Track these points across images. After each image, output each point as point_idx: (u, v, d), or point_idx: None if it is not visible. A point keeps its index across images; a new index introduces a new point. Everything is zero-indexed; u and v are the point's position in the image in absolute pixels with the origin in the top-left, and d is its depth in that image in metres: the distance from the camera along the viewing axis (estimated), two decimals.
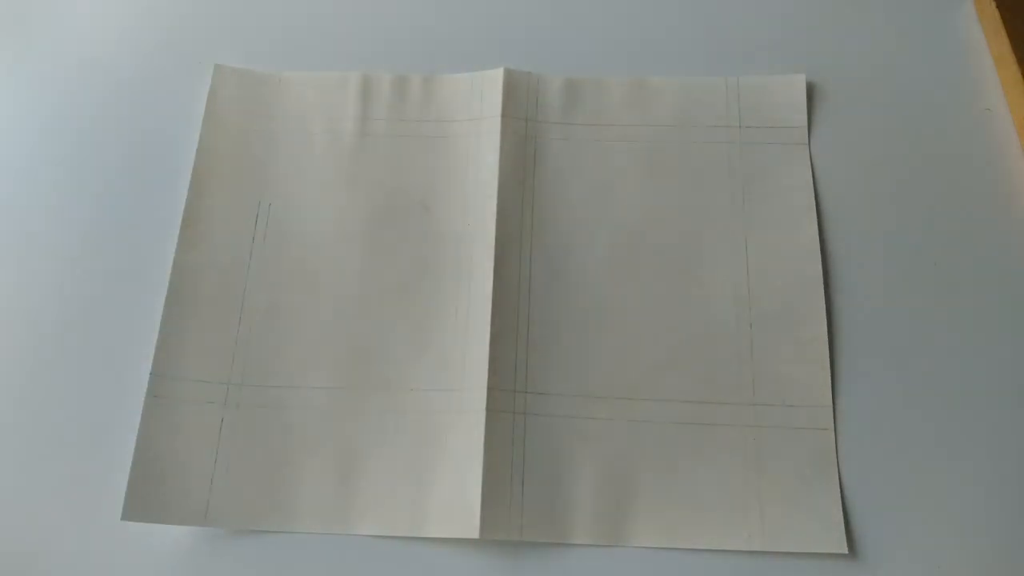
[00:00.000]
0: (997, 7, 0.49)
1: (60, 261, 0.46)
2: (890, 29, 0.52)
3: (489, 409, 0.41)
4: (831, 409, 0.42)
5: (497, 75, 0.49)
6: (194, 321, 0.44)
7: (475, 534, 0.39)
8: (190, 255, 0.45)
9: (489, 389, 0.41)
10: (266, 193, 0.47)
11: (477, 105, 0.48)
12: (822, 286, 0.44)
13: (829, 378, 0.43)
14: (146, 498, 0.40)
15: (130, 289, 0.45)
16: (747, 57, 0.50)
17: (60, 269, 0.46)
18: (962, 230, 0.46)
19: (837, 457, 0.41)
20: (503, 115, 0.47)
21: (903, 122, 0.49)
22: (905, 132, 0.48)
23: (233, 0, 0.54)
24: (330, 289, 0.45)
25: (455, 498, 0.40)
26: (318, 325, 0.44)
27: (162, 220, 0.46)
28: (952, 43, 0.51)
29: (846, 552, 0.39)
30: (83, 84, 0.51)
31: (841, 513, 0.40)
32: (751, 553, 0.40)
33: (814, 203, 0.46)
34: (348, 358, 0.43)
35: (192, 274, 0.45)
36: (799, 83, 0.49)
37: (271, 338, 0.44)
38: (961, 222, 0.46)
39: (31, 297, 0.45)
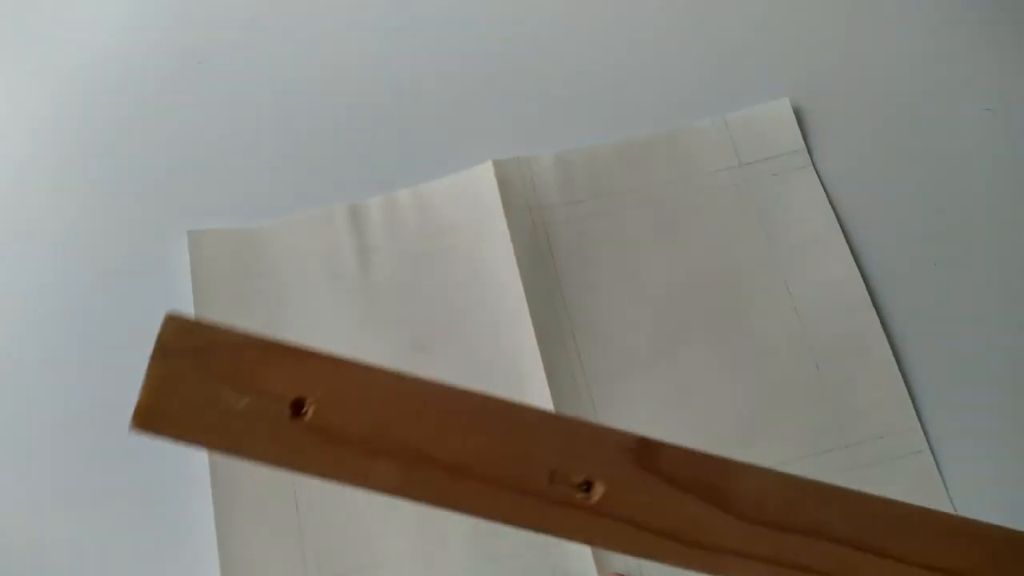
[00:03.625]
0: None
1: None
2: (888, 29, 0.52)
3: None
4: (920, 430, 0.41)
5: (486, 170, 0.46)
6: (252, 534, 0.39)
7: None
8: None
9: None
10: None
11: (475, 206, 0.46)
12: (871, 305, 0.44)
13: (909, 398, 0.42)
14: None
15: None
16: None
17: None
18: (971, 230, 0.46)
19: (941, 475, 0.40)
20: (505, 210, 0.45)
21: (904, 123, 0.49)
22: (906, 132, 0.48)
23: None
24: None
25: None
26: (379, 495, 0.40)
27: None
28: (951, 42, 0.51)
29: None
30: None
31: None
32: None
33: (836, 222, 0.46)
34: (421, 521, 0.40)
35: (236, 481, 0.40)
36: (785, 107, 0.48)
37: (336, 524, 0.40)
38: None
39: None
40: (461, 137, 0.48)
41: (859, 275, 0.44)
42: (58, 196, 0.48)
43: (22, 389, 0.43)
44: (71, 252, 0.46)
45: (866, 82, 0.50)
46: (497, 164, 0.46)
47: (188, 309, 0.43)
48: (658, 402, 0.42)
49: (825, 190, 0.46)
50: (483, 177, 0.46)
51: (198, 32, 0.52)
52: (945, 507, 0.39)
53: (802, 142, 0.47)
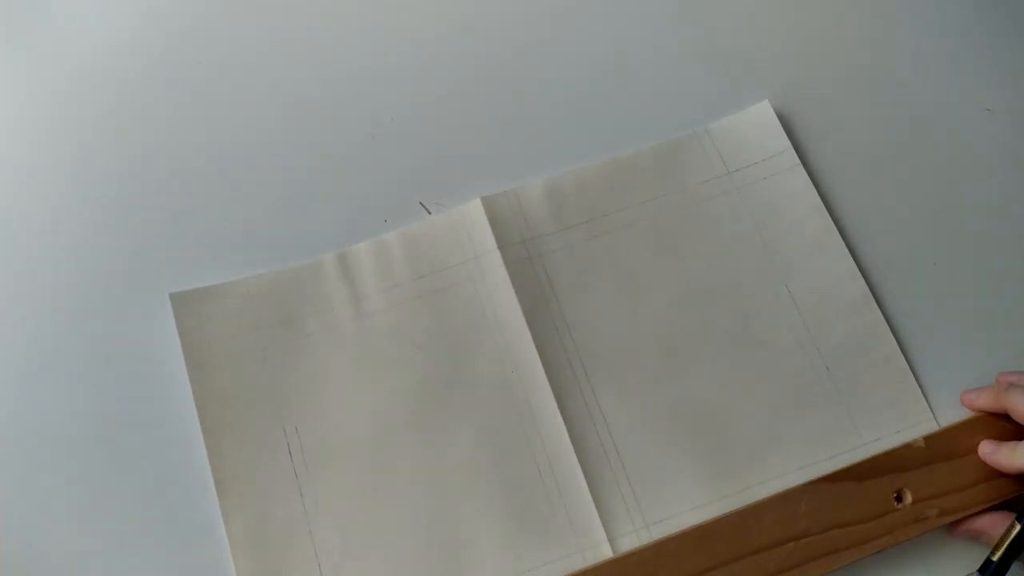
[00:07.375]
0: None
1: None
2: (887, 29, 0.51)
3: None
4: (935, 420, 0.41)
5: (476, 207, 0.46)
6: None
7: None
8: (239, 526, 0.40)
9: (611, 541, 0.39)
10: (286, 419, 0.42)
11: (468, 244, 0.45)
12: (874, 301, 0.44)
13: (920, 391, 0.42)
14: None
15: None
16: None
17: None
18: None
19: None
20: (499, 246, 0.45)
21: (903, 123, 0.49)
22: (905, 132, 0.48)
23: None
24: (395, 497, 0.41)
25: None
26: (400, 539, 0.40)
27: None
28: (951, 42, 0.51)
29: None
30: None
31: None
32: None
33: (831, 221, 0.45)
34: (447, 561, 0.40)
35: (252, 548, 0.40)
36: (766, 109, 0.48)
37: (360, 571, 0.40)
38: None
39: None
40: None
41: (859, 272, 0.44)
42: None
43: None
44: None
45: (864, 83, 0.50)
46: (486, 200, 0.46)
47: (180, 369, 0.43)
48: (672, 422, 0.42)
49: (822, 190, 0.46)
50: (473, 214, 0.46)
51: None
52: None
53: (788, 142, 0.47)
